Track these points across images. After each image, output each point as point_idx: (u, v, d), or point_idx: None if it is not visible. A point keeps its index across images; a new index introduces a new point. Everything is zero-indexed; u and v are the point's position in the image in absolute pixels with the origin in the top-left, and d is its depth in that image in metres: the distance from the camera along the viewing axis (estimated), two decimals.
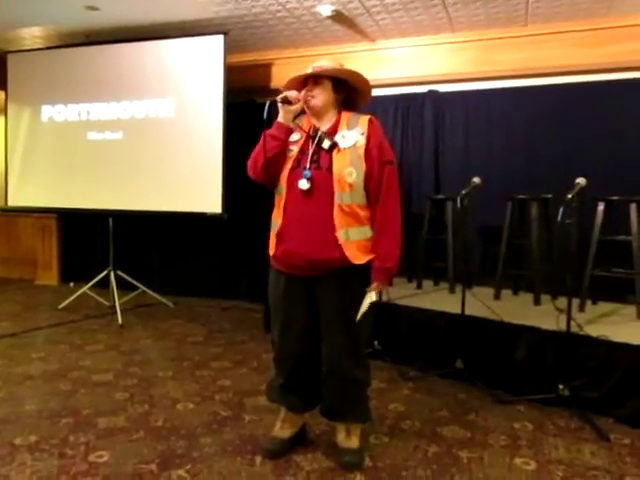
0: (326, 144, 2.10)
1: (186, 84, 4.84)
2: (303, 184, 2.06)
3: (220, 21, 4.56)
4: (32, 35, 5.11)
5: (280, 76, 5.20)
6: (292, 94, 2.11)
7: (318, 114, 2.18)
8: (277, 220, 2.15)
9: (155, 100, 4.94)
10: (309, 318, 2.17)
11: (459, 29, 4.49)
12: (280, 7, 4.18)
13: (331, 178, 2.06)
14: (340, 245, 2.05)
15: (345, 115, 2.19)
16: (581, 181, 2.85)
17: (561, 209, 2.67)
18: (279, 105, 2.11)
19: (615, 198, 3.52)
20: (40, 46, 5.36)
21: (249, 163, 2.21)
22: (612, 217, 3.56)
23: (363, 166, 2.07)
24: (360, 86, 2.22)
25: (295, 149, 2.15)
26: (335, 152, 2.09)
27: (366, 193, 2.10)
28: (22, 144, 5.38)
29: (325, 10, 4.13)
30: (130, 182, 4.95)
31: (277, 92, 6.01)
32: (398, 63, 4.81)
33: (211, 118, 4.75)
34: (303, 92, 2.14)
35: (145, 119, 4.97)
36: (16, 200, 5.41)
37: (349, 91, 2.22)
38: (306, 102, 2.15)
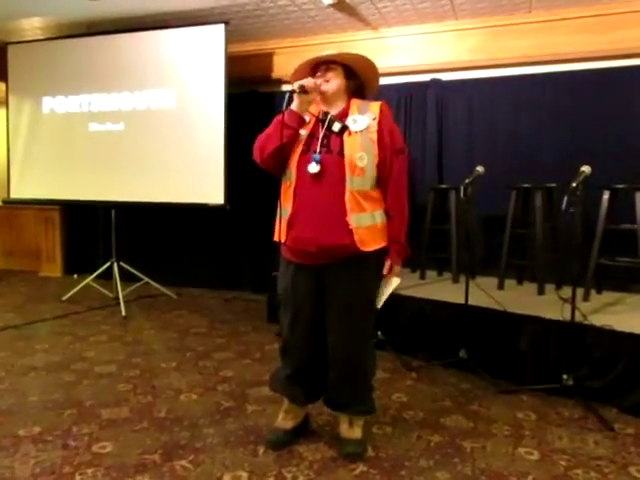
0: (336, 127, 2.07)
1: (187, 74, 4.82)
2: (312, 167, 2.03)
3: (221, 10, 4.52)
4: (32, 26, 5.08)
5: (282, 66, 5.17)
6: (309, 82, 2.07)
7: (329, 100, 2.15)
8: (286, 207, 2.11)
9: (156, 91, 4.91)
10: (318, 309, 2.16)
11: (462, 16, 4.44)
12: None
13: (342, 162, 2.03)
14: (351, 230, 2.03)
15: (355, 101, 2.17)
16: (586, 169, 2.82)
17: (565, 198, 2.65)
18: (295, 95, 2.06)
19: (620, 186, 3.48)
20: (40, 37, 5.33)
21: (257, 147, 2.16)
22: (617, 206, 3.52)
23: (375, 151, 2.07)
24: (369, 74, 2.22)
25: (304, 133, 2.12)
26: (346, 135, 2.06)
27: (379, 179, 2.11)
28: (24, 136, 5.37)
29: None
30: (132, 173, 4.94)
31: (279, 82, 5.94)
32: (401, 51, 4.76)
33: (212, 109, 4.72)
34: (319, 80, 2.12)
35: (146, 110, 4.95)
36: (18, 192, 5.41)
37: (359, 80, 2.21)
38: (319, 87, 2.12)
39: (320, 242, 2.04)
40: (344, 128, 2.07)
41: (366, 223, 2.06)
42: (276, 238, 2.20)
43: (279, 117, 2.08)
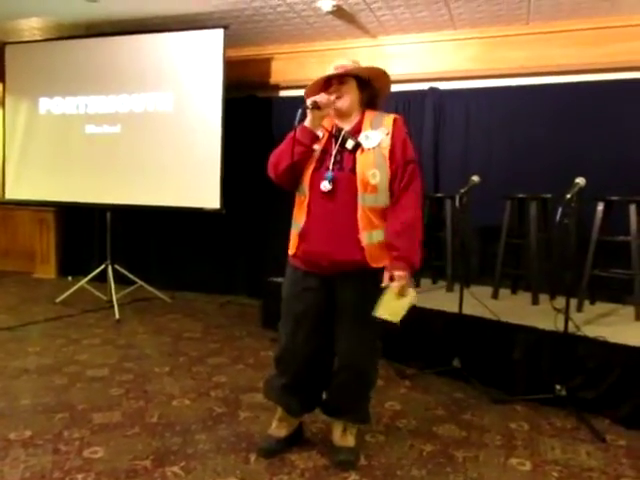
0: (349, 144, 2.06)
1: (185, 78, 4.82)
2: (325, 186, 2.03)
3: (220, 15, 4.53)
4: (30, 26, 5.07)
5: (280, 71, 5.18)
6: (322, 99, 2.04)
7: (343, 115, 2.13)
8: (299, 220, 2.12)
9: (154, 94, 4.91)
10: (322, 317, 2.14)
11: (460, 26, 4.46)
12: (280, 1, 4.15)
13: (354, 179, 2.02)
14: (363, 247, 2.03)
15: (369, 115, 2.15)
16: (580, 181, 2.83)
17: (559, 209, 2.66)
18: (308, 111, 2.04)
19: (614, 198, 3.50)
20: (38, 38, 5.32)
21: (270, 163, 2.15)
22: (611, 217, 3.55)
23: (387, 167, 2.04)
24: (382, 83, 2.20)
25: (317, 148, 2.10)
26: (359, 152, 2.05)
27: (390, 193, 2.06)
28: (20, 137, 5.35)
29: (326, 5, 4.10)
30: (128, 176, 4.93)
31: (277, 87, 5.94)
32: (399, 60, 4.78)
33: (210, 113, 4.72)
34: (333, 96, 2.09)
35: (144, 113, 4.95)
36: (14, 193, 5.38)
37: (371, 89, 2.18)
38: (332, 103, 2.08)
39: (332, 257, 2.04)
40: (357, 145, 2.05)
41: (377, 239, 2.05)
42: (290, 250, 2.19)
43: (292, 134, 2.06)
